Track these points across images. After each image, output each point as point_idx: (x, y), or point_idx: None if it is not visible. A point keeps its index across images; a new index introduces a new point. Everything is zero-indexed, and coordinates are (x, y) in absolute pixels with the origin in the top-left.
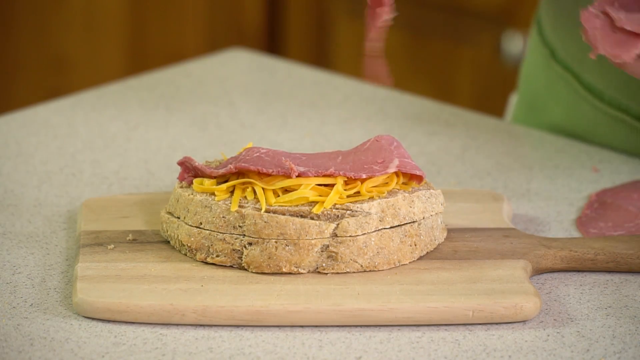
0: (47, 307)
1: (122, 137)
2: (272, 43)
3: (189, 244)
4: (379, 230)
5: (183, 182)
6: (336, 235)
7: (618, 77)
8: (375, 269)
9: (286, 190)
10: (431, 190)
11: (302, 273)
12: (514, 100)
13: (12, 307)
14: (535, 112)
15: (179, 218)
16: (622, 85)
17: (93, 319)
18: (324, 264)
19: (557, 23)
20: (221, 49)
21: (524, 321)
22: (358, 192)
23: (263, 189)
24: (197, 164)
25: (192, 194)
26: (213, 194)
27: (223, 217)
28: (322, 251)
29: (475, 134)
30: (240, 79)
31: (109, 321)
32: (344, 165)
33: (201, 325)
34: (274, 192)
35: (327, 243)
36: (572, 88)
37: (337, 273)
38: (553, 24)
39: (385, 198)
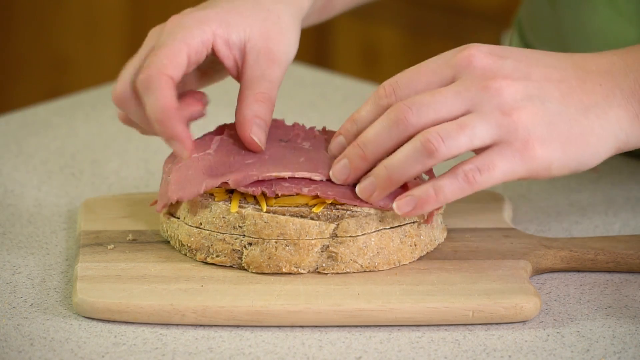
0: (47, 307)
1: (122, 137)
2: None
3: (189, 244)
4: (379, 230)
5: None
6: (336, 236)
7: None
8: (375, 269)
9: None
10: None
11: (302, 273)
12: None
13: (12, 307)
14: None
15: (179, 218)
16: None
17: (93, 319)
18: (324, 264)
19: (535, 23)
20: None
21: (524, 321)
22: None
23: (262, 191)
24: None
25: None
26: (212, 194)
27: (223, 217)
28: (322, 251)
29: None
30: None
31: (109, 321)
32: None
33: (201, 325)
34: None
35: (327, 243)
36: None
37: (337, 273)
38: (532, 24)
39: None
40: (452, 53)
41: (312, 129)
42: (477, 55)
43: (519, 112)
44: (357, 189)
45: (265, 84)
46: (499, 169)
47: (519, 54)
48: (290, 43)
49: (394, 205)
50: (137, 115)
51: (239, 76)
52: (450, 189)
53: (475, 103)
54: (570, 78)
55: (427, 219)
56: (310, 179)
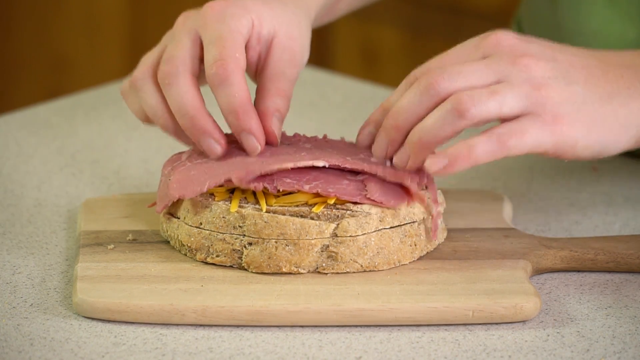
0: (47, 307)
1: (122, 137)
2: None
3: (189, 244)
4: (379, 230)
5: None
6: (336, 235)
7: None
8: (375, 269)
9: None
10: None
11: (302, 273)
12: None
13: (12, 307)
14: None
15: (179, 218)
16: None
17: (93, 319)
18: (324, 264)
19: (535, 23)
20: None
21: (524, 321)
22: None
23: (263, 191)
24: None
25: None
26: (212, 194)
27: (223, 217)
28: (322, 251)
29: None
30: None
31: (109, 321)
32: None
33: (201, 325)
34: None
35: (327, 243)
36: None
37: (337, 273)
38: (531, 24)
39: None
40: (479, 38)
41: (314, 136)
42: (505, 37)
43: (547, 88)
44: (394, 159)
45: (286, 82)
46: (529, 136)
47: (543, 41)
48: (306, 47)
49: (426, 163)
50: (149, 102)
51: (254, 72)
52: (483, 149)
53: (505, 75)
54: (593, 67)
55: (433, 232)
56: (313, 168)
